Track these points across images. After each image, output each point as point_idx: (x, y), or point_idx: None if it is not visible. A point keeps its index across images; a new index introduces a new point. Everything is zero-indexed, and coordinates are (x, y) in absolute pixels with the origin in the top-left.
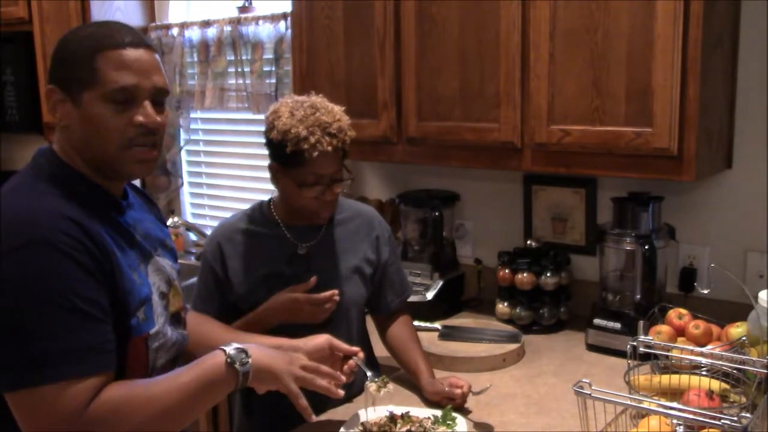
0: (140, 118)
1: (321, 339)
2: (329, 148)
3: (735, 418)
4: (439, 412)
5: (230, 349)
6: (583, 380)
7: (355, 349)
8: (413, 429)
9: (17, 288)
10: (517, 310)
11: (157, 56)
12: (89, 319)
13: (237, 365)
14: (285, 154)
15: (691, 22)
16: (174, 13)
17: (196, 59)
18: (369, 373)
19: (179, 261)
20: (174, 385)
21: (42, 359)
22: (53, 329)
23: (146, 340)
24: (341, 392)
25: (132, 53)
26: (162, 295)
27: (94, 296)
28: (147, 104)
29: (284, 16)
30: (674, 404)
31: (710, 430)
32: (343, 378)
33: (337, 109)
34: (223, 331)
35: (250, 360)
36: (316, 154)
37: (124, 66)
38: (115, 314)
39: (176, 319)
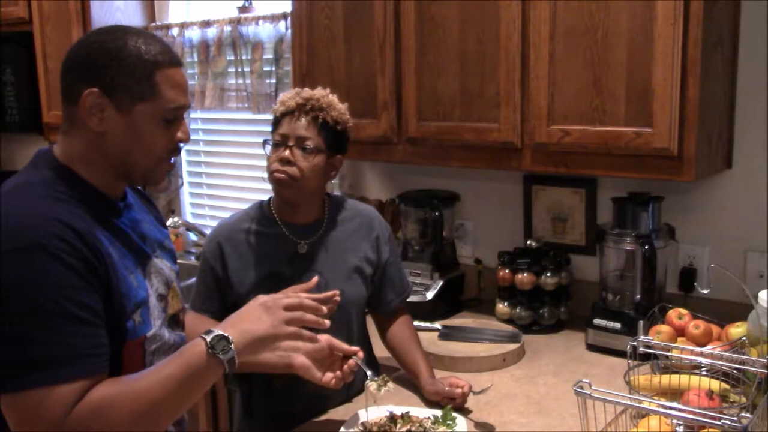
0: (181, 135)
1: (320, 339)
2: (293, 105)
3: (735, 418)
4: (439, 412)
5: (210, 337)
6: (583, 380)
7: (354, 348)
8: (413, 429)
9: (8, 291)
10: (517, 310)
11: None
12: (80, 323)
13: (219, 354)
14: (271, 125)
15: (691, 22)
16: (174, 13)
17: (196, 59)
18: (369, 373)
19: (179, 261)
20: (159, 379)
21: (31, 363)
22: (43, 333)
23: (143, 343)
24: (327, 323)
25: (179, 72)
26: (160, 297)
27: (86, 300)
28: (185, 122)
29: (284, 16)
30: (674, 404)
31: (710, 430)
32: (337, 374)
33: (333, 97)
34: None
35: (232, 345)
36: (283, 109)
37: (177, 85)
38: (110, 318)
39: (174, 321)
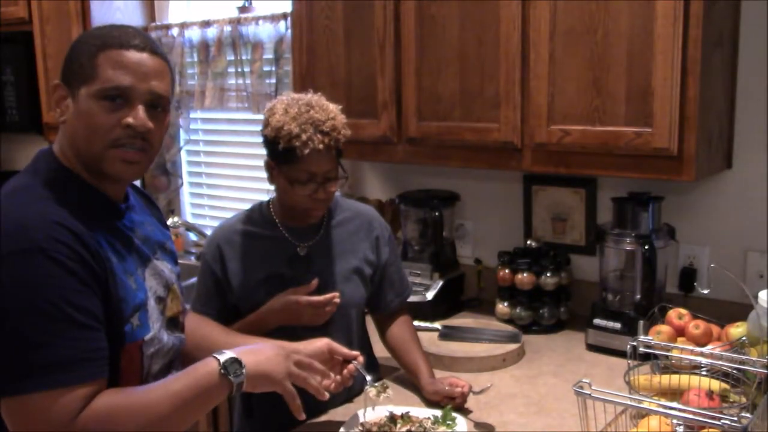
0: (129, 120)
1: (320, 343)
2: (320, 146)
3: (735, 418)
4: (439, 412)
5: (224, 359)
6: (583, 380)
7: (354, 353)
8: (413, 429)
9: (9, 295)
10: (517, 310)
11: (164, 63)
12: (81, 327)
13: (231, 376)
14: (278, 151)
15: (691, 22)
16: (174, 13)
17: (196, 59)
18: (368, 378)
19: (179, 261)
20: (166, 393)
21: (32, 367)
22: (44, 338)
23: (141, 346)
24: (327, 395)
25: (134, 55)
26: (159, 300)
27: (86, 304)
28: (140, 107)
29: (284, 16)
30: (674, 404)
31: (710, 430)
32: (336, 378)
33: (333, 108)
34: (223, 333)
35: (244, 370)
36: (307, 151)
37: (122, 66)
38: (108, 321)
39: (173, 324)
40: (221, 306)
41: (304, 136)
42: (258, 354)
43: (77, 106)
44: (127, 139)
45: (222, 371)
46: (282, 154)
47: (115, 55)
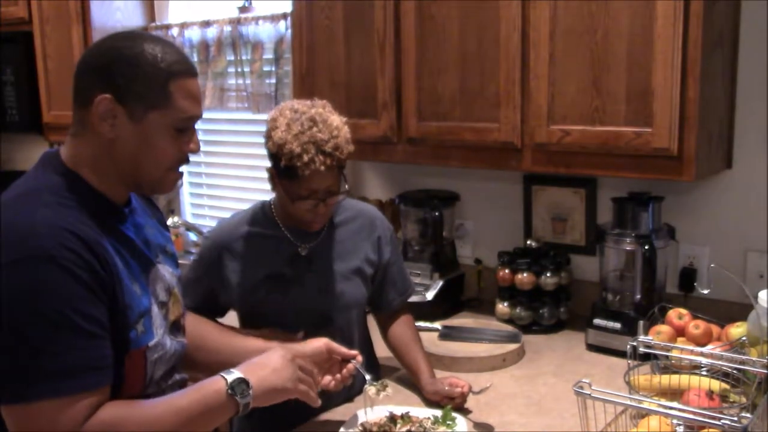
0: (192, 146)
1: (319, 343)
2: (322, 168)
3: (735, 418)
4: (439, 412)
5: (232, 379)
6: (583, 380)
7: (353, 352)
8: (413, 429)
9: (17, 302)
10: (517, 310)
11: None
12: (87, 335)
13: (238, 397)
14: (280, 167)
15: (691, 22)
16: (174, 13)
17: (196, 59)
18: (368, 377)
19: (179, 261)
20: (172, 409)
21: (38, 375)
22: (51, 345)
23: (145, 352)
24: (319, 402)
25: (194, 83)
26: (162, 305)
27: (92, 312)
28: (196, 132)
29: (284, 16)
30: (674, 404)
31: (710, 430)
32: (336, 376)
33: (337, 123)
34: (221, 333)
35: (251, 391)
36: (308, 172)
37: (191, 95)
38: (113, 328)
39: (176, 328)
40: (201, 299)
41: (305, 157)
42: (264, 368)
43: (141, 128)
44: (185, 162)
45: (229, 391)
46: (283, 170)
47: (186, 84)
